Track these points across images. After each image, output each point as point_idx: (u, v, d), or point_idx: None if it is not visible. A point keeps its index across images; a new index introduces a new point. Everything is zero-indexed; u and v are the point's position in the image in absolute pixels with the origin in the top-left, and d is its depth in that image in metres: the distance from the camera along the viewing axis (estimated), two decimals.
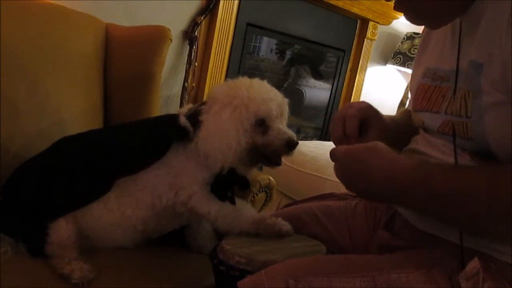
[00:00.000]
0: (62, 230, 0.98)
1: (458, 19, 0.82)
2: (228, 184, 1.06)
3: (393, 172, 0.71)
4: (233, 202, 1.06)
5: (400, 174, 0.71)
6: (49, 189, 1.01)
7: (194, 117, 1.03)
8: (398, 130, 1.02)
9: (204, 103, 1.05)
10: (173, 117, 1.06)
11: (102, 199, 1.02)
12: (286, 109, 1.09)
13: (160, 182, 1.03)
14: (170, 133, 1.03)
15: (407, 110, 1.11)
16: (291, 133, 1.03)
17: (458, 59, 0.78)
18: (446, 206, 0.69)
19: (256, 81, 1.07)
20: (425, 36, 0.98)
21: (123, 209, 1.03)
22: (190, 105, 1.11)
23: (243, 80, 1.07)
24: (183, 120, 1.04)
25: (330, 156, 0.79)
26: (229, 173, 1.04)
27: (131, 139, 1.06)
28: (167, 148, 1.02)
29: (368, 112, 0.94)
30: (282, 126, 1.04)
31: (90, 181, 1.02)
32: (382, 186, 0.72)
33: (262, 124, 1.02)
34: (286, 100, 1.09)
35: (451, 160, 0.78)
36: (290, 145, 1.02)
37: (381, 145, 0.76)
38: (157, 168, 1.03)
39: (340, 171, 0.77)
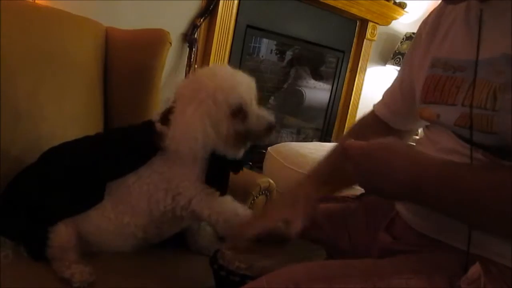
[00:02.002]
0: (62, 233, 0.99)
1: (475, 7, 0.80)
2: (221, 171, 1.06)
3: (416, 173, 0.70)
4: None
5: (424, 174, 0.70)
6: (46, 196, 1.02)
7: (166, 118, 1.02)
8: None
9: (174, 102, 1.04)
10: (150, 125, 1.05)
11: (99, 208, 1.02)
12: (255, 90, 1.06)
13: (155, 189, 1.03)
14: (150, 146, 1.02)
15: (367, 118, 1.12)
16: (269, 117, 1.03)
17: (478, 49, 0.76)
18: (473, 206, 0.67)
19: (219, 68, 1.06)
20: (433, 27, 0.93)
21: (121, 217, 1.03)
22: (160, 110, 1.10)
23: (206, 70, 1.06)
24: (158, 127, 1.03)
25: (341, 152, 0.79)
26: (219, 160, 1.04)
27: (115, 147, 1.06)
28: (147, 159, 1.03)
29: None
30: (259, 109, 1.03)
31: (83, 188, 1.02)
32: (404, 186, 0.71)
33: (240, 111, 1.00)
34: (253, 80, 1.06)
35: (460, 161, 0.76)
36: (270, 129, 1.03)
37: (398, 142, 0.75)
38: (148, 176, 1.03)
39: (356, 169, 0.76)
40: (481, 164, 0.74)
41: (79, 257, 0.99)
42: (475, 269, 0.70)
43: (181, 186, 1.02)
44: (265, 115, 1.02)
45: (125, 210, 1.03)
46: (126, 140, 1.07)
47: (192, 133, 0.97)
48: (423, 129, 0.92)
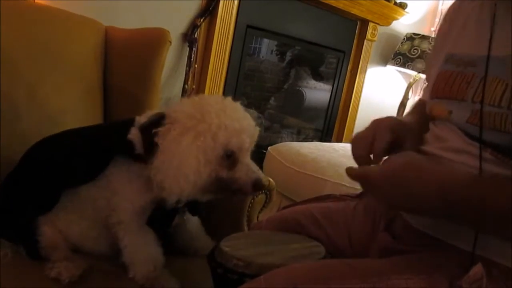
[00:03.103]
0: (47, 234, 0.99)
1: (490, 2, 0.79)
2: (171, 213, 1.00)
3: (442, 191, 0.68)
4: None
5: (451, 192, 0.68)
6: (16, 196, 1.01)
7: (148, 134, 0.92)
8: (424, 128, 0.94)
9: (162, 117, 0.94)
10: (125, 127, 0.97)
11: (61, 208, 1.00)
12: (256, 138, 0.98)
13: (100, 196, 0.98)
14: (112, 148, 0.97)
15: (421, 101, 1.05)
16: (259, 173, 0.93)
17: (490, 45, 0.74)
18: (500, 222, 0.66)
19: (229, 104, 0.95)
20: (449, 22, 0.92)
21: (80, 219, 1.01)
22: (149, 112, 1.00)
23: (213, 101, 0.94)
24: (133, 132, 0.95)
25: (360, 183, 0.76)
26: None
27: (78, 149, 1.00)
28: (106, 163, 0.97)
29: (399, 131, 0.86)
30: (251, 162, 0.94)
31: (39, 193, 1.00)
32: (431, 207, 0.70)
33: (230, 157, 0.92)
34: (258, 129, 0.98)
35: (468, 160, 0.75)
36: (257, 187, 0.93)
37: (417, 158, 0.73)
38: (98, 179, 0.98)
39: (381, 197, 0.75)
40: (506, 178, 0.72)
41: (69, 254, 0.99)
42: (477, 270, 0.69)
43: (120, 205, 0.97)
44: (256, 169, 0.93)
45: (77, 213, 1.01)
46: (93, 139, 1.01)
47: (184, 170, 0.88)
48: (430, 124, 0.90)
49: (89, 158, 0.97)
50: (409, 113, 1.03)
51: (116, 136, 0.97)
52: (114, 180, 0.97)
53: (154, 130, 0.91)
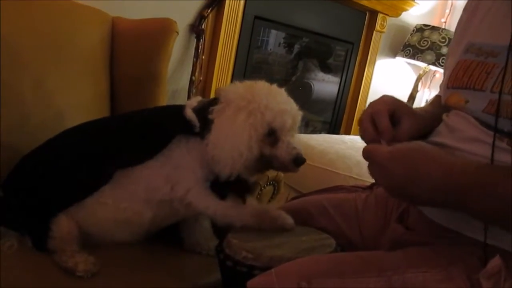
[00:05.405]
0: (63, 224, 0.98)
1: None
2: (227, 186, 1.02)
3: (449, 178, 0.66)
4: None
5: (458, 179, 0.66)
6: (48, 184, 1.00)
7: (203, 113, 1.00)
8: (438, 120, 0.92)
9: (215, 101, 1.01)
10: (179, 109, 1.03)
11: (95, 193, 1.00)
12: (298, 121, 1.05)
13: (155, 174, 1.00)
14: (174, 126, 1.01)
15: (438, 97, 1.04)
16: (300, 149, 1.00)
17: None
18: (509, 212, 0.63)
19: (274, 89, 1.03)
20: (470, 11, 0.91)
21: (118, 203, 1.01)
22: (199, 98, 1.07)
23: (261, 85, 1.02)
24: (189, 113, 1.01)
25: (366, 158, 0.74)
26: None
27: (132, 130, 1.03)
28: (168, 141, 0.99)
29: (395, 104, 0.88)
30: (292, 140, 1.01)
31: (88, 174, 1.00)
32: (437, 192, 0.67)
33: (272, 135, 0.98)
34: (300, 113, 1.06)
35: (481, 149, 0.74)
36: (297, 162, 0.99)
37: (426, 145, 0.72)
38: (154, 159, 1.00)
39: (384, 176, 0.72)
40: None
41: (80, 248, 0.98)
42: (495, 263, 0.67)
43: (182, 175, 0.99)
44: (296, 146, 1.00)
45: (123, 195, 1.01)
46: (146, 126, 1.04)
47: (238, 144, 0.95)
48: (443, 117, 0.89)
49: (149, 138, 1.01)
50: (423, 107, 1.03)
51: (176, 117, 1.02)
52: (174, 155, 1.00)
53: (208, 104, 1.00)
